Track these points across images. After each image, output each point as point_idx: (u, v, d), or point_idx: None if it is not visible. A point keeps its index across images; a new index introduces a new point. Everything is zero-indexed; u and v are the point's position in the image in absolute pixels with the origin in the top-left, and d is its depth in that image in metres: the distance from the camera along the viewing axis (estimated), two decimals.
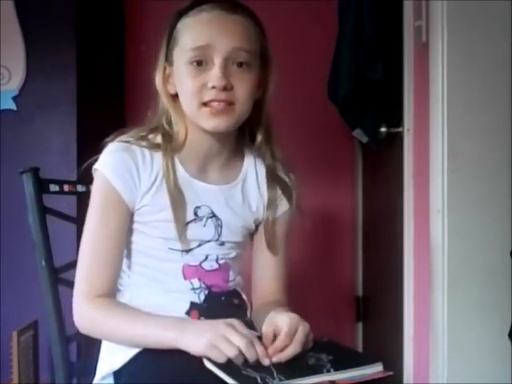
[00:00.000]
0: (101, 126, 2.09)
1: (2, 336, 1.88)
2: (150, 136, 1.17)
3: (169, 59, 1.16)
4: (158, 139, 1.16)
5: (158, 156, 1.15)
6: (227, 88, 1.09)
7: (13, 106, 2.04)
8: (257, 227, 1.26)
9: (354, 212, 2.49)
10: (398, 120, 1.83)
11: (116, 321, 1.09)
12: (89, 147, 2.07)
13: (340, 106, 2.10)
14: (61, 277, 1.28)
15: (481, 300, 1.51)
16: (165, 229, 1.14)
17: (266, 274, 1.26)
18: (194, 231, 1.16)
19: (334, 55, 2.15)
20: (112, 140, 1.15)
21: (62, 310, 1.26)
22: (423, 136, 1.61)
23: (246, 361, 0.95)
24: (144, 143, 1.15)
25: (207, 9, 1.12)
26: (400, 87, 1.78)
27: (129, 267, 1.18)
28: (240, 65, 1.11)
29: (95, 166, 1.14)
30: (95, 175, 1.15)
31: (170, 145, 1.15)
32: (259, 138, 1.22)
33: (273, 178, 1.23)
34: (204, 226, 1.17)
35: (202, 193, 1.17)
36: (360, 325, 2.49)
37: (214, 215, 1.18)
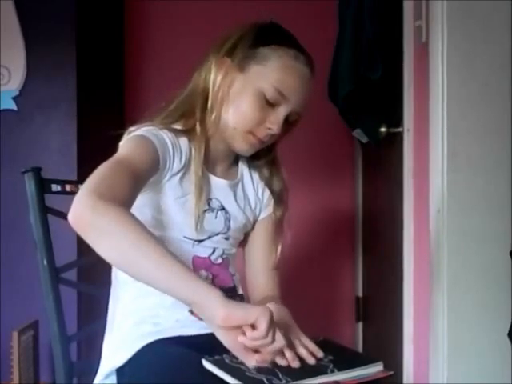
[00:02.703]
0: (101, 126, 2.09)
1: (2, 336, 1.88)
2: (175, 125, 1.18)
3: (241, 64, 1.17)
4: (178, 127, 1.18)
5: (184, 142, 1.16)
6: (276, 135, 1.19)
7: (13, 106, 2.04)
8: (252, 226, 1.31)
9: (353, 212, 2.49)
10: (398, 120, 1.83)
11: (138, 238, 0.91)
12: (89, 147, 2.09)
13: (340, 106, 2.10)
14: (62, 276, 1.28)
15: (481, 300, 1.51)
16: (182, 216, 1.16)
17: (261, 271, 1.29)
18: (208, 222, 1.19)
19: (333, 55, 2.16)
20: (136, 129, 1.15)
21: (62, 309, 1.27)
22: (423, 136, 1.62)
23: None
24: (173, 130, 1.16)
25: (302, 61, 1.19)
26: (400, 87, 1.79)
27: None
28: (288, 120, 1.21)
29: (129, 136, 1.13)
30: (126, 139, 1.13)
31: (206, 132, 1.18)
32: (264, 163, 1.29)
33: (280, 200, 1.30)
34: (215, 217, 1.20)
35: (213, 186, 1.21)
36: (360, 325, 2.49)
37: (223, 208, 1.22)
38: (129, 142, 1.10)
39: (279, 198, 1.30)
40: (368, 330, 2.43)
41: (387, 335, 2.06)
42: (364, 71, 1.94)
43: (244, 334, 0.89)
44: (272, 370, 0.92)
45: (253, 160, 1.29)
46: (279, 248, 1.29)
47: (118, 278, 1.19)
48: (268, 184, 1.30)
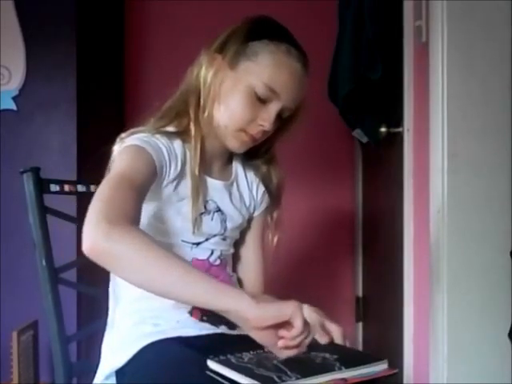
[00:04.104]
0: (101, 126, 2.10)
1: (2, 336, 1.88)
2: (168, 128, 1.17)
3: (232, 61, 1.15)
4: (172, 129, 1.17)
5: (178, 145, 1.15)
6: (269, 131, 1.17)
7: (13, 106, 2.04)
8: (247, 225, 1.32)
9: (353, 212, 2.49)
10: (398, 120, 1.83)
11: (158, 256, 0.91)
12: (89, 147, 2.09)
13: (340, 106, 2.10)
14: (61, 277, 1.28)
15: (481, 300, 1.51)
16: (179, 220, 1.15)
17: (254, 269, 1.31)
18: (204, 224, 1.18)
19: (333, 55, 2.16)
20: (128, 135, 1.13)
21: (61, 309, 1.26)
22: (423, 136, 1.62)
23: (257, 360, 0.95)
24: (166, 134, 1.15)
25: (295, 56, 1.15)
26: (400, 87, 1.78)
27: None
28: (282, 117, 1.19)
29: (123, 145, 1.10)
30: (117, 154, 1.10)
31: (200, 131, 1.16)
32: (262, 162, 1.29)
33: (276, 200, 1.31)
34: (212, 219, 1.20)
35: (209, 188, 1.20)
36: (360, 325, 2.49)
37: (219, 210, 1.21)
38: (124, 155, 1.08)
39: (276, 199, 1.30)
40: (368, 330, 2.43)
41: (387, 335, 2.06)
42: (364, 71, 1.94)
43: (279, 334, 0.90)
44: (279, 367, 0.92)
45: (249, 158, 1.28)
46: (275, 240, 1.29)
47: (118, 280, 1.18)
48: (265, 183, 1.30)
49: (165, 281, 0.91)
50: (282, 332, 0.90)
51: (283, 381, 0.87)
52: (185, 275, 0.91)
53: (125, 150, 1.09)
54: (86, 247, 0.90)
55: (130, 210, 0.95)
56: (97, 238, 0.90)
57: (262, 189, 1.30)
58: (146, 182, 1.04)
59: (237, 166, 1.28)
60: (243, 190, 1.28)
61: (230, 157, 1.27)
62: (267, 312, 0.90)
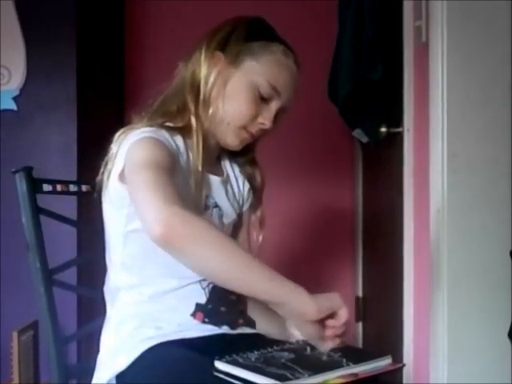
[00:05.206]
0: (101, 126, 2.10)
1: (2, 336, 1.88)
2: (169, 123, 1.16)
3: (235, 60, 1.16)
4: (170, 125, 1.16)
5: (179, 141, 1.15)
6: (266, 129, 1.20)
7: (13, 106, 2.04)
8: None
9: (353, 212, 2.49)
10: (397, 120, 1.83)
11: (227, 245, 0.94)
12: (89, 147, 2.09)
13: (340, 106, 2.10)
14: (55, 278, 1.25)
15: (481, 300, 1.51)
16: None
17: None
18: None
19: (333, 55, 2.16)
20: (127, 131, 1.12)
21: (56, 311, 1.23)
22: (423, 136, 1.62)
23: (264, 360, 0.96)
24: (167, 129, 1.14)
25: (290, 56, 1.19)
26: (400, 87, 1.79)
27: (141, 266, 1.15)
28: (277, 116, 1.21)
29: (130, 143, 1.09)
30: (132, 147, 1.08)
31: (202, 127, 1.16)
32: (246, 160, 1.30)
33: (260, 198, 1.32)
34: (211, 215, 1.19)
35: (209, 183, 1.20)
36: (360, 325, 2.49)
37: (217, 205, 1.21)
38: (144, 145, 1.07)
39: (259, 197, 1.31)
40: (368, 330, 2.43)
41: (387, 335, 2.06)
42: (364, 71, 1.94)
43: (327, 324, 0.93)
44: (289, 365, 0.93)
45: (234, 156, 1.28)
46: (260, 238, 1.29)
47: (117, 284, 1.17)
48: (250, 181, 1.31)
49: (233, 269, 0.93)
50: (331, 321, 0.93)
51: (296, 378, 0.88)
52: (251, 264, 0.93)
53: (142, 141, 1.08)
54: (159, 231, 0.90)
55: (179, 196, 0.96)
56: (174, 221, 0.91)
57: (247, 185, 1.31)
58: (173, 172, 1.05)
59: (225, 163, 1.29)
60: (234, 186, 1.29)
61: (218, 154, 1.28)
62: (322, 304, 0.92)
